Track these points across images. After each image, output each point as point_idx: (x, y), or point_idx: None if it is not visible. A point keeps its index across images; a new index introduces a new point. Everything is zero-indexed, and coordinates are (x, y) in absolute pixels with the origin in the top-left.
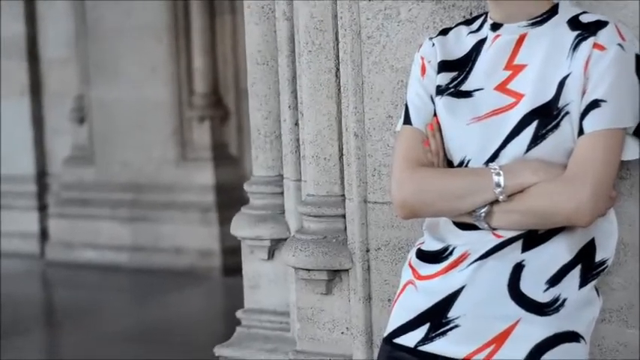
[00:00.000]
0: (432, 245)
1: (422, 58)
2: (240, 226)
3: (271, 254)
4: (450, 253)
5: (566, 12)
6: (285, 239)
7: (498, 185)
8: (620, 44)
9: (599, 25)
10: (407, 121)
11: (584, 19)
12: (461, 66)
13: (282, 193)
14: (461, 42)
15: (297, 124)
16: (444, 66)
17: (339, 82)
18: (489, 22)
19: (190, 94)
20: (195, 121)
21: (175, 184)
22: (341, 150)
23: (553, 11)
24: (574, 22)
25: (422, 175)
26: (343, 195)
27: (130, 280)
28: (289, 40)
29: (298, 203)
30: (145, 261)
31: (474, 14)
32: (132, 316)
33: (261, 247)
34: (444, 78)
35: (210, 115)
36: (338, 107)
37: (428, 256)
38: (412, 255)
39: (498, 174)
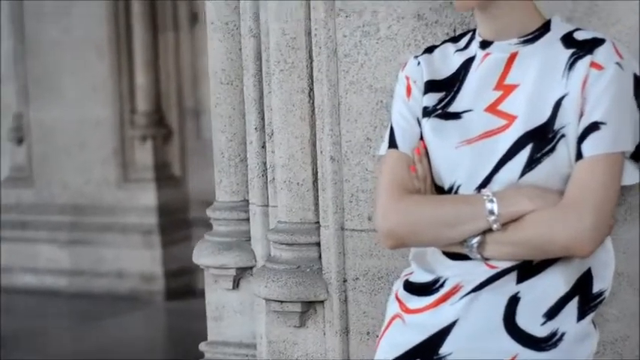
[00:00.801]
0: (421, 277)
1: (407, 78)
2: (203, 254)
3: (236, 284)
4: (441, 285)
5: (558, 28)
6: (251, 267)
7: (492, 213)
8: (618, 63)
9: (596, 42)
10: (392, 144)
11: (579, 36)
12: (448, 86)
13: (247, 220)
14: (448, 61)
15: (264, 146)
16: (430, 86)
17: (313, 102)
18: (478, 39)
19: (132, 112)
20: (137, 140)
21: (117, 206)
22: (315, 174)
23: (545, 28)
24: (568, 40)
25: (409, 202)
26: (317, 222)
27: (70, 306)
28: (256, 58)
29: (266, 230)
30: (86, 285)
31: (458, 31)
32: (72, 342)
33: (225, 277)
34: (431, 99)
35: (152, 135)
36: (312, 129)
37: (417, 288)
38: (399, 287)
39: (491, 201)
